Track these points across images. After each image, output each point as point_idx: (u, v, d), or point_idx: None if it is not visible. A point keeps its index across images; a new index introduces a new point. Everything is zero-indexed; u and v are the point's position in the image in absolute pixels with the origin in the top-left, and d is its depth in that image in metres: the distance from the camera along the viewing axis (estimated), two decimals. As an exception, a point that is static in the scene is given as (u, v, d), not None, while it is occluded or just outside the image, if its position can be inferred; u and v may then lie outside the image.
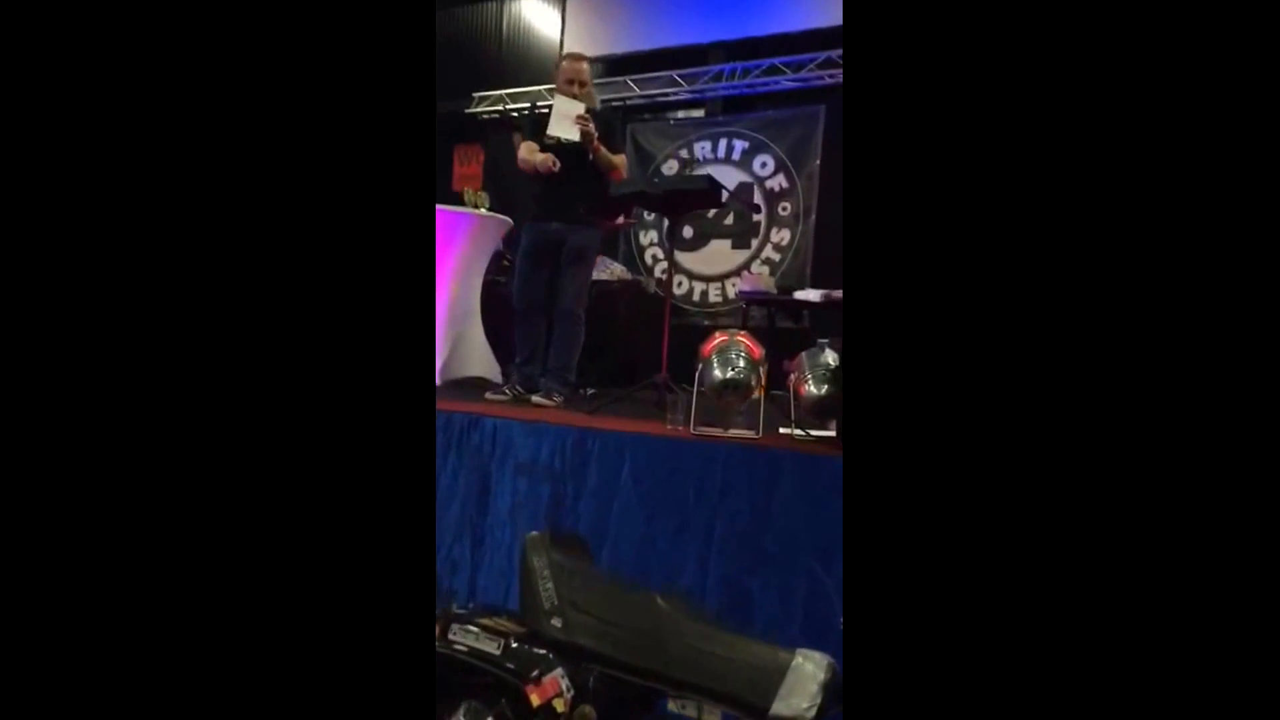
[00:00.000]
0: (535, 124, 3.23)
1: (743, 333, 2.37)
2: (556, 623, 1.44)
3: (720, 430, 2.27)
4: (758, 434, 2.22)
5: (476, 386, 3.96)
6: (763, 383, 2.26)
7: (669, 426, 2.34)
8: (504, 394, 3.17)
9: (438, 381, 3.85)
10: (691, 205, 3.31)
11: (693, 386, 2.27)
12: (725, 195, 3.04)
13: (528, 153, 3.14)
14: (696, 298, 5.49)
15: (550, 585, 1.45)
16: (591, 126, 3.00)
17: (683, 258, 5.49)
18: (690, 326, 5.20)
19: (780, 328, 4.61)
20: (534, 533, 1.50)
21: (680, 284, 5.58)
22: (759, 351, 2.33)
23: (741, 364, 2.24)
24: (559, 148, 3.05)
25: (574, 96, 3.09)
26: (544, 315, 3.23)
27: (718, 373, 2.24)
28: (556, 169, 3.02)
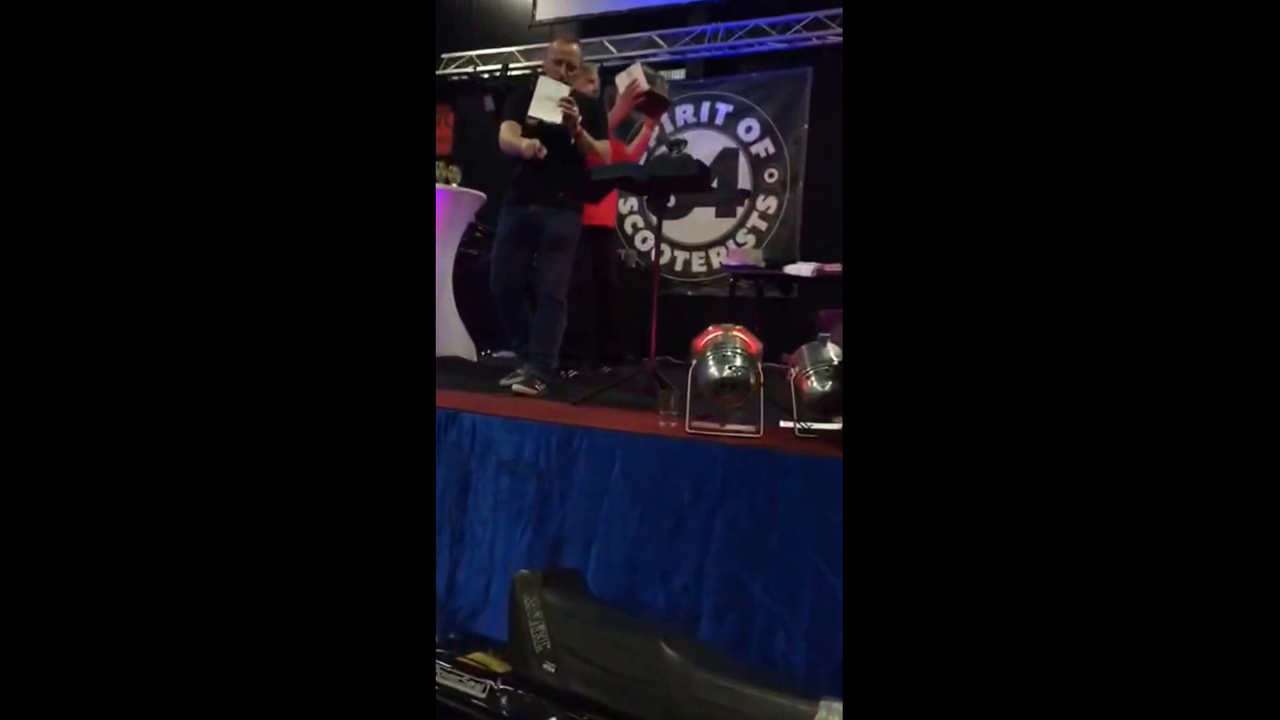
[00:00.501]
0: (517, 103, 3.07)
1: (738, 327, 2.22)
2: (549, 667, 1.31)
3: (717, 426, 2.13)
4: (758, 431, 2.08)
5: (452, 368, 3.80)
6: (761, 380, 2.11)
7: (662, 424, 2.19)
8: (519, 378, 2.93)
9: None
10: (679, 190, 3.13)
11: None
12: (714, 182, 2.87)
13: (510, 134, 3.02)
14: (679, 267, 5.32)
15: (542, 627, 1.31)
16: (575, 110, 2.89)
17: (664, 226, 5.29)
18: (673, 298, 5.05)
19: (769, 298, 4.48)
20: (524, 571, 1.36)
21: (662, 253, 5.39)
22: (756, 346, 2.18)
23: (739, 362, 2.09)
24: (540, 129, 2.93)
25: (561, 79, 2.97)
26: (524, 298, 3.13)
27: (714, 371, 2.09)
28: (543, 155, 2.90)
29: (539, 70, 5.71)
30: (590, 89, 3.47)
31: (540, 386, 2.87)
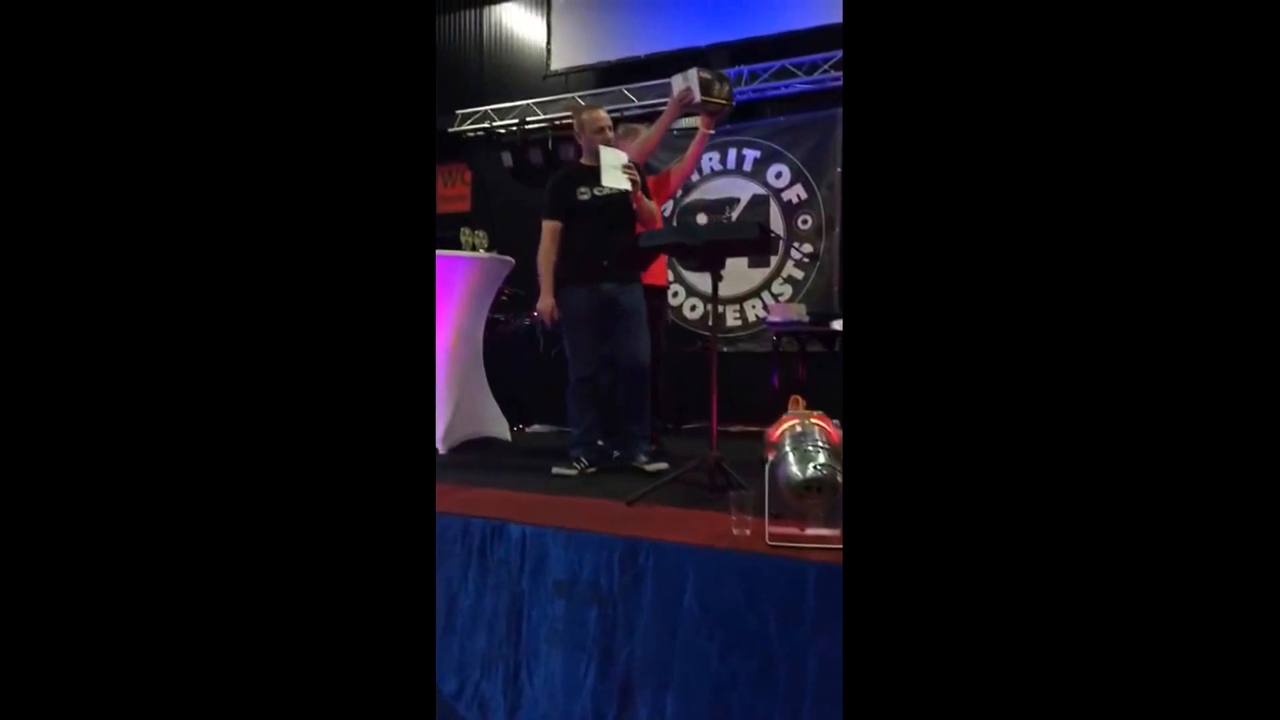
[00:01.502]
0: (556, 196, 2.97)
1: (817, 414, 1.98)
2: None
3: (797, 530, 1.88)
4: (847, 538, 1.82)
5: (487, 451, 3.56)
6: (849, 478, 1.86)
7: (735, 531, 1.94)
8: (571, 470, 2.94)
9: (442, 449, 3.45)
10: (735, 254, 2.94)
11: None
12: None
13: (551, 244, 2.95)
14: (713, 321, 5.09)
15: None
16: (637, 175, 2.84)
17: (695, 279, 5.09)
18: (708, 353, 4.80)
19: (811, 351, 4.23)
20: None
21: (694, 308, 5.17)
22: (838, 435, 1.93)
23: (822, 458, 1.84)
24: (593, 202, 2.92)
25: (609, 144, 2.92)
26: (601, 380, 3.06)
27: (796, 471, 1.84)
28: (554, 320, 2.95)
29: (556, 123, 5.60)
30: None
31: (646, 458, 2.94)
